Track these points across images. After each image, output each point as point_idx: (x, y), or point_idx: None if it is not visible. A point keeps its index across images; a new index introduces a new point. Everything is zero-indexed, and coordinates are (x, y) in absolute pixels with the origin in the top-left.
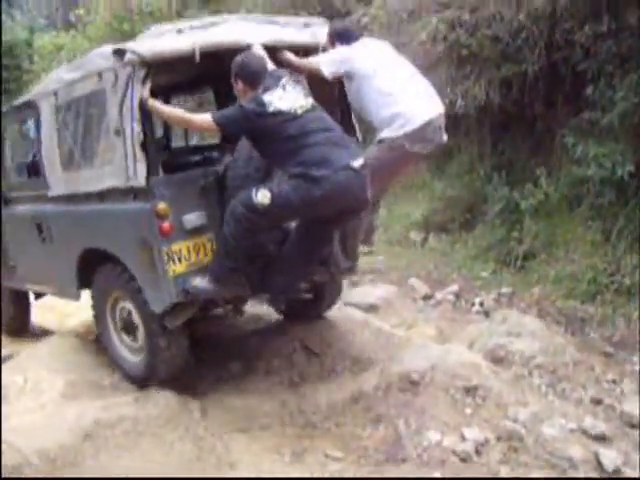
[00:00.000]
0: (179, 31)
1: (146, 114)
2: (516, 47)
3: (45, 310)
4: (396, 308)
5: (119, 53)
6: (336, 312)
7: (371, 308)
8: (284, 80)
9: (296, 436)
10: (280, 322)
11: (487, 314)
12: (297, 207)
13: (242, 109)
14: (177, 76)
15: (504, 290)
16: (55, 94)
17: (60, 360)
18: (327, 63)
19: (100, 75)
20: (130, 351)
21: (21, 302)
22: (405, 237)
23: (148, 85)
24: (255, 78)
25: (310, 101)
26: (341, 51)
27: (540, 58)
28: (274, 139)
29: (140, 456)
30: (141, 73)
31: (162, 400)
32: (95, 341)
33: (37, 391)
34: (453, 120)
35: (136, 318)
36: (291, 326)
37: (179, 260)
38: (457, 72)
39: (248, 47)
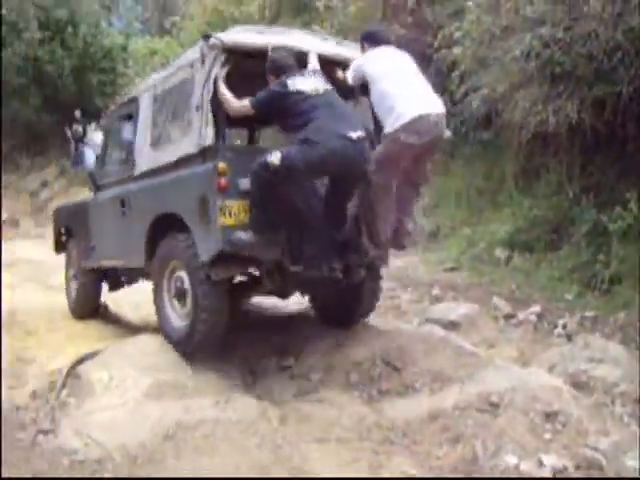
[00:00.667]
0: (259, 32)
1: (217, 91)
2: (611, 66)
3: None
4: (477, 326)
5: (206, 37)
6: (417, 328)
7: (452, 325)
8: (307, 71)
9: (373, 451)
10: (358, 331)
11: (569, 337)
12: (299, 166)
13: (268, 90)
14: (249, 68)
15: (588, 314)
16: (154, 86)
17: (145, 359)
18: (350, 72)
19: (191, 64)
20: (179, 317)
21: (94, 287)
22: (489, 254)
23: (226, 68)
24: (280, 69)
25: (325, 86)
26: (357, 61)
27: (635, 78)
28: (291, 114)
29: (218, 460)
30: (222, 57)
31: (242, 406)
32: None
33: (121, 388)
34: (543, 138)
35: (187, 284)
36: (370, 337)
37: (229, 214)
38: (549, 90)
39: (307, 53)
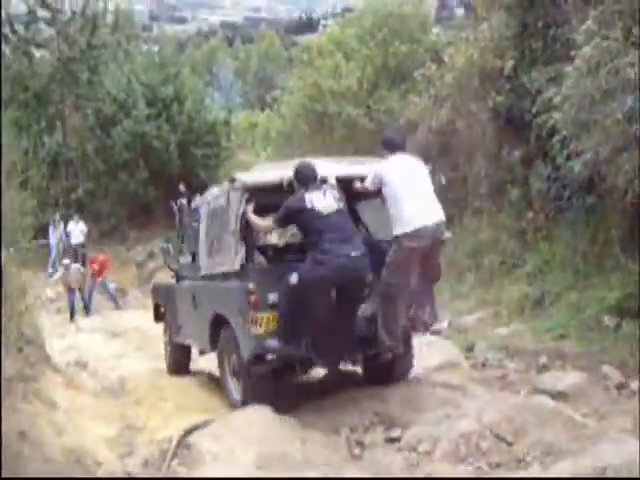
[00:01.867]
0: (279, 167)
1: (247, 222)
2: None
3: None
4: (587, 397)
5: (231, 181)
6: (526, 398)
7: (561, 395)
8: (325, 187)
9: None
10: (460, 402)
11: None
12: (311, 283)
13: (287, 206)
14: (272, 197)
15: None
16: (208, 204)
17: (254, 431)
18: (369, 181)
19: (228, 194)
20: (235, 390)
21: (184, 352)
22: (597, 322)
23: (251, 203)
24: (302, 181)
25: (338, 205)
26: (376, 170)
27: None
28: (308, 229)
29: None
30: (245, 195)
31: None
32: (286, 415)
33: (231, 459)
34: None
35: (238, 367)
36: (478, 408)
37: (260, 325)
38: None
39: (324, 179)
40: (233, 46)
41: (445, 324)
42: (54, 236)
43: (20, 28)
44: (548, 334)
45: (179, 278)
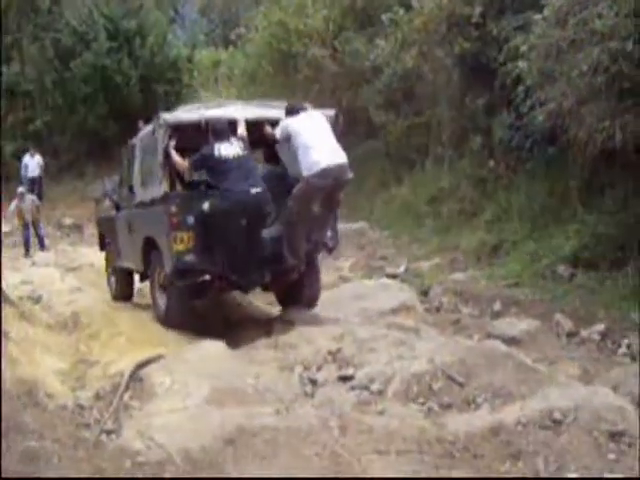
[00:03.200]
0: (199, 108)
1: (168, 155)
2: None
3: None
4: (539, 343)
5: (157, 119)
6: (479, 342)
7: (513, 341)
8: (232, 138)
9: (433, 465)
10: (414, 344)
11: (634, 358)
12: (219, 211)
13: (201, 154)
14: (193, 134)
15: None
16: (141, 140)
17: (206, 365)
18: (278, 132)
19: (154, 131)
20: (162, 302)
21: (128, 278)
22: (553, 271)
23: (173, 140)
24: (214, 132)
25: (242, 152)
26: (283, 122)
27: None
28: (216, 172)
29: (278, 467)
30: (168, 131)
31: (302, 414)
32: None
33: (183, 393)
34: (609, 154)
35: (164, 281)
36: (431, 350)
37: (180, 242)
38: (617, 105)
39: (236, 120)
40: None
41: (402, 268)
42: (33, 168)
43: None
44: (503, 281)
45: (119, 208)
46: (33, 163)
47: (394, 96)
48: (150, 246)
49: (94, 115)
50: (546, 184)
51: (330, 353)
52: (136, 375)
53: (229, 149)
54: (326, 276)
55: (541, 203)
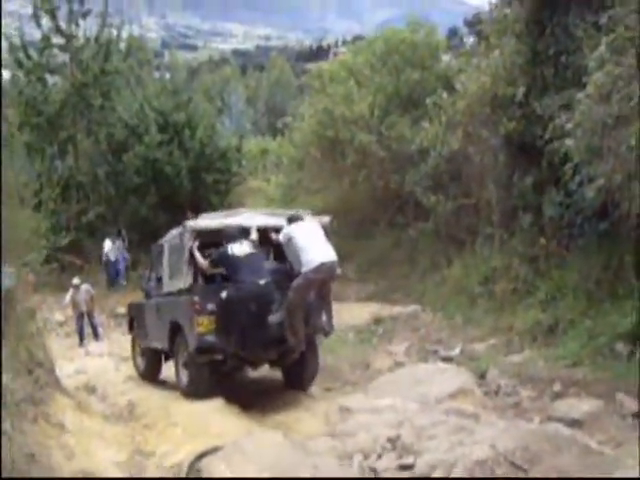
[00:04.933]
0: (220, 216)
1: (192, 254)
2: None
3: None
4: (603, 424)
5: (184, 225)
6: (541, 426)
7: (575, 423)
8: (242, 239)
9: None
10: (474, 429)
11: None
12: (234, 299)
13: (218, 254)
14: (214, 238)
15: None
16: (169, 241)
17: (265, 456)
18: (281, 237)
19: (181, 235)
20: (184, 377)
21: (156, 357)
22: (611, 349)
23: (197, 242)
24: (228, 237)
25: (252, 250)
26: (286, 229)
27: None
28: (231, 267)
29: None
30: (193, 235)
31: None
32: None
33: None
34: None
35: (187, 359)
36: (492, 435)
37: (202, 325)
38: None
39: (249, 228)
40: (244, 74)
41: (457, 350)
42: (113, 252)
43: (34, 54)
44: (561, 361)
45: (148, 296)
46: (114, 247)
47: (441, 178)
48: (175, 329)
49: (145, 205)
50: (600, 260)
51: (389, 440)
52: (195, 467)
53: (240, 249)
54: (381, 360)
55: (595, 279)
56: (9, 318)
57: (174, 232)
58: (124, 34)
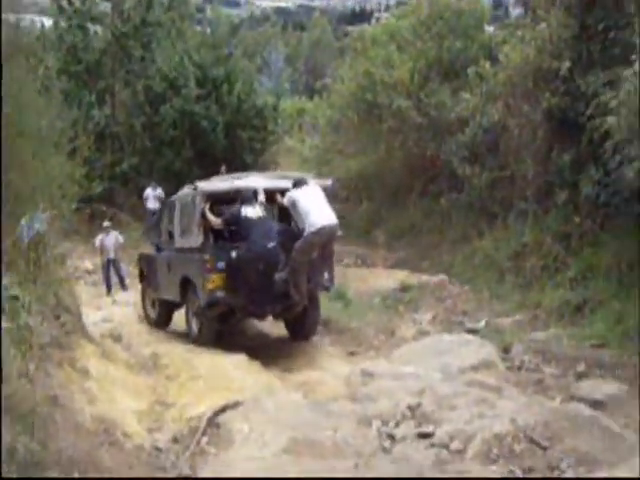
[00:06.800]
0: (228, 179)
1: (204, 215)
2: None
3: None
4: (626, 408)
5: (195, 187)
6: (562, 405)
7: (598, 404)
8: (255, 202)
9: None
10: (495, 403)
11: None
12: (243, 260)
13: (231, 214)
14: (223, 198)
15: None
16: (180, 200)
17: (285, 415)
18: (285, 201)
19: (193, 196)
20: (195, 325)
21: (167, 307)
22: (638, 333)
23: (208, 203)
24: (242, 199)
25: (263, 214)
26: (290, 193)
27: None
28: (242, 229)
29: None
30: (204, 197)
31: (381, 472)
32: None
33: (260, 443)
34: None
35: (198, 311)
36: (512, 409)
37: (212, 282)
38: None
39: (256, 189)
40: (285, 32)
41: (482, 323)
42: (153, 200)
43: (76, 1)
44: (587, 341)
45: (159, 250)
46: (154, 195)
47: (479, 149)
48: (186, 283)
49: (180, 159)
50: (634, 242)
51: (409, 408)
52: (214, 421)
53: (252, 212)
54: (405, 328)
55: (629, 261)
56: (39, 262)
57: (186, 191)
58: None
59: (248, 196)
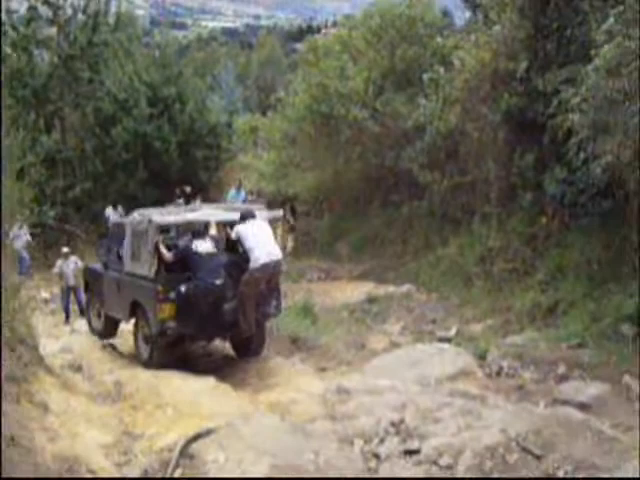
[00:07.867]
0: (180, 212)
1: (157, 247)
2: None
3: None
4: (611, 408)
5: (149, 220)
6: (551, 410)
7: (583, 407)
8: (205, 237)
9: None
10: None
11: None
12: (191, 294)
13: (182, 249)
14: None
15: None
16: (131, 224)
17: (262, 440)
18: (233, 232)
19: (146, 227)
20: (144, 350)
21: (113, 320)
22: (616, 331)
23: (160, 235)
24: (193, 233)
25: (213, 248)
26: (237, 227)
27: None
28: (192, 265)
29: None
30: (157, 229)
31: None
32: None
33: (239, 472)
34: None
35: (148, 337)
36: (501, 419)
37: (163, 312)
38: None
39: (208, 223)
40: (234, 52)
41: (453, 331)
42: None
43: (21, 25)
44: (564, 342)
45: (106, 267)
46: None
47: (438, 155)
48: (136, 307)
49: (134, 181)
50: (602, 240)
51: (392, 424)
52: (186, 451)
53: (203, 246)
54: (376, 340)
55: (598, 260)
56: None
57: (138, 218)
58: (112, 8)
59: (199, 230)
